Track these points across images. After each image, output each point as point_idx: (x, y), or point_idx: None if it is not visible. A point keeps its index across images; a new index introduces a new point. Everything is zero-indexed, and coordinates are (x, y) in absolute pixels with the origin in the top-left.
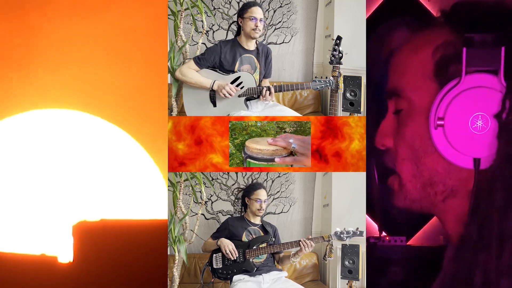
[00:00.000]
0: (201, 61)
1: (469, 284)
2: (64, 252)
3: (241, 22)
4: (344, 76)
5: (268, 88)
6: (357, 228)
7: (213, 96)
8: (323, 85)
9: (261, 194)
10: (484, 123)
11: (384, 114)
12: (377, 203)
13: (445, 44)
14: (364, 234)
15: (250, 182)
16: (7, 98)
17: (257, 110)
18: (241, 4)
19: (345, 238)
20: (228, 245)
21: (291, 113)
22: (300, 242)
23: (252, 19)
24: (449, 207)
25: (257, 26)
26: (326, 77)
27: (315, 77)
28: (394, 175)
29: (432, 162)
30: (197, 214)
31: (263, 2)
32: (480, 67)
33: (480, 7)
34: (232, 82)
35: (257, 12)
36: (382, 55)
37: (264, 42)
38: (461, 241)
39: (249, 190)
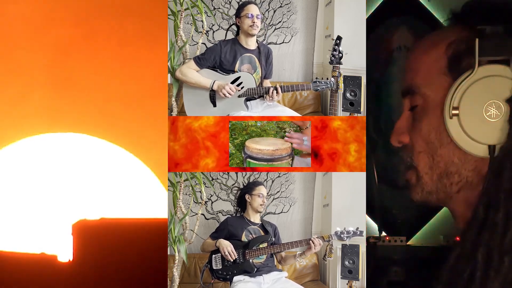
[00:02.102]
0: (201, 61)
1: (472, 260)
2: (63, 251)
3: (238, 22)
4: (344, 76)
5: (275, 88)
6: (357, 228)
7: (213, 96)
8: (323, 86)
9: (263, 189)
10: (498, 109)
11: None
12: (377, 203)
13: (458, 41)
14: (364, 234)
15: (248, 181)
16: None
17: (257, 110)
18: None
19: (345, 238)
20: (227, 247)
21: (291, 114)
22: (311, 241)
23: (249, 16)
24: (463, 198)
25: (254, 22)
26: (327, 78)
27: (316, 78)
28: (412, 170)
29: (448, 152)
30: (197, 214)
31: (263, 2)
32: (492, 57)
33: (491, 4)
34: (232, 82)
35: (252, 9)
36: (383, 55)
37: (264, 42)
38: (468, 224)
39: (250, 187)
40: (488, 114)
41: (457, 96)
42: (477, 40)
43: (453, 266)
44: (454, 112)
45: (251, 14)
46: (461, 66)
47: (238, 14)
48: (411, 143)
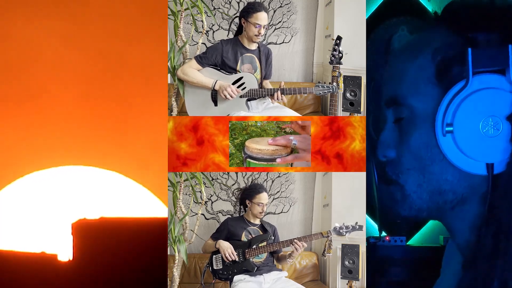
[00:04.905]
0: (203, 60)
1: None
2: (63, 250)
3: (244, 23)
4: (344, 76)
5: (282, 91)
6: (356, 223)
7: (215, 95)
8: (325, 91)
9: (263, 198)
10: (496, 126)
11: (383, 121)
12: (377, 203)
13: (445, 46)
14: (364, 232)
15: (250, 182)
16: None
17: (258, 110)
18: (241, 4)
19: (344, 233)
20: (227, 249)
21: (291, 114)
22: (292, 245)
23: (257, 26)
24: (458, 214)
25: (260, 32)
26: (330, 83)
27: (319, 82)
28: (396, 185)
29: (440, 170)
30: (197, 214)
31: (263, 2)
32: (487, 68)
33: (478, 6)
34: (235, 82)
35: (262, 18)
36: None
37: (264, 42)
38: (474, 249)
39: (250, 193)
40: (485, 130)
41: (451, 111)
42: (469, 49)
43: None
44: (448, 129)
45: (259, 25)
46: (451, 74)
47: (246, 16)
48: (398, 158)
